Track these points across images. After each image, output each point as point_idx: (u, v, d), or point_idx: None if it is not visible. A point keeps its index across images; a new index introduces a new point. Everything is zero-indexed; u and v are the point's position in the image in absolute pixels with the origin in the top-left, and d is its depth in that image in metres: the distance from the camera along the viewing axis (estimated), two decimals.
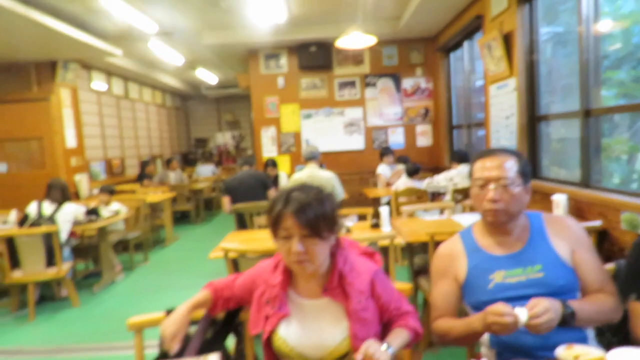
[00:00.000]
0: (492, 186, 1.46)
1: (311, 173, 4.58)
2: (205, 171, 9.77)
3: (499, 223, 1.50)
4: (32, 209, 4.35)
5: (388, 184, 5.69)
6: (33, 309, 4.05)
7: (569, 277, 1.45)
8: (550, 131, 4.03)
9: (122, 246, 5.62)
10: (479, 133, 5.79)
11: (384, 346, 1.26)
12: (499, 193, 1.45)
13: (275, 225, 1.31)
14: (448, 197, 4.65)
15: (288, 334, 1.35)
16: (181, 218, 8.63)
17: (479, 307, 1.48)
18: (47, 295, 4.59)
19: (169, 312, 1.59)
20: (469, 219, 3.32)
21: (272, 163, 5.75)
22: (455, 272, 1.57)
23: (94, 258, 5.32)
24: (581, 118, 3.22)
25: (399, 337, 1.38)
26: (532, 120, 3.99)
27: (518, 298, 1.43)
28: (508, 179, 1.45)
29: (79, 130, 6.69)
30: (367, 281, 1.39)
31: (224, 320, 1.56)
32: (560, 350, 1.14)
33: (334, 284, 1.36)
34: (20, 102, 6.11)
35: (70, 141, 6.46)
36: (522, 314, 1.25)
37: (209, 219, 8.90)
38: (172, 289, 4.67)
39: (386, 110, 7.06)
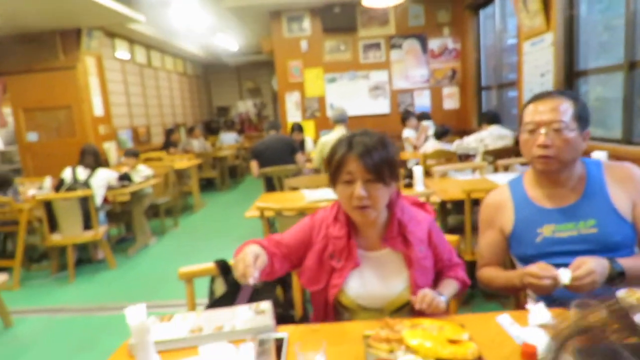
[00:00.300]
0: (543, 130, 1.36)
1: (340, 136, 4.54)
2: (229, 139, 9.81)
3: (549, 172, 1.41)
4: (67, 174, 4.45)
5: (415, 147, 5.62)
6: (73, 270, 4.20)
7: (626, 233, 1.37)
8: (587, 89, 3.88)
9: (152, 212, 5.74)
10: (509, 94, 5.62)
11: (439, 295, 1.26)
12: (551, 138, 1.35)
13: (337, 169, 1.27)
14: (478, 159, 4.56)
15: (350, 286, 1.34)
16: (207, 185, 8.74)
17: (525, 260, 1.45)
18: (84, 258, 4.75)
19: (217, 262, 1.62)
20: (504, 178, 3.26)
21: (298, 128, 5.72)
22: (501, 223, 1.52)
23: (126, 223, 5.47)
24: (625, 71, 3.09)
25: (450, 287, 1.39)
26: (570, 76, 3.84)
27: (568, 253, 1.37)
28: (562, 123, 1.35)
29: (106, 98, 6.75)
30: (425, 230, 1.39)
31: None
32: (621, 293, 1.12)
33: (394, 233, 1.34)
34: (48, 71, 6.17)
35: (98, 109, 6.53)
36: (564, 274, 1.22)
37: (234, 186, 8.99)
38: (203, 252, 4.77)
39: (412, 72, 6.90)
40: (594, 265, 1.22)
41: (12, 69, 6.17)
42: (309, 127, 6.97)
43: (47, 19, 5.54)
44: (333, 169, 1.29)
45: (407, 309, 1.34)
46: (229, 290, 1.56)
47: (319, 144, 4.64)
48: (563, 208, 1.43)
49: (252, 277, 1.04)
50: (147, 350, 1.07)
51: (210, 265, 1.62)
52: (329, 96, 6.97)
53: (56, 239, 4.16)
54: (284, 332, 1.20)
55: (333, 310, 1.36)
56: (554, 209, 1.44)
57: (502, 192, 1.57)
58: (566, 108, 1.37)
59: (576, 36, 3.80)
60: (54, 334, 3.17)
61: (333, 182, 1.32)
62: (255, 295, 1.52)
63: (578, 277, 1.21)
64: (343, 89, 6.93)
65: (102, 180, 4.47)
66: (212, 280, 1.66)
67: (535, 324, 1.14)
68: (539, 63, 4.14)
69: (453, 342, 1.04)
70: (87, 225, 4.20)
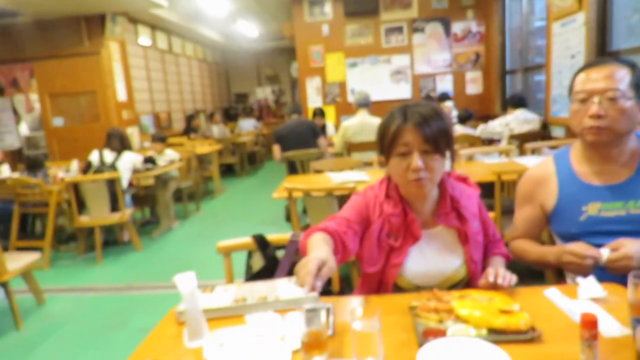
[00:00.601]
0: (596, 99, 1.28)
1: (362, 120, 4.52)
2: (247, 125, 9.84)
3: (600, 145, 1.33)
4: (94, 157, 4.52)
5: None
6: (100, 251, 4.28)
7: None
8: None
9: (175, 196, 5.82)
10: (535, 78, 5.50)
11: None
12: (604, 107, 1.27)
13: (392, 141, 1.23)
14: (503, 144, 4.50)
15: (409, 265, 1.30)
16: (226, 171, 8.80)
17: (567, 238, 1.41)
18: (110, 240, 4.84)
19: (255, 237, 1.63)
20: (533, 161, 3.21)
21: (320, 112, 5.71)
22: (542, 199, 1.47)
23: (150, 207, 5.55)
24: None
25: (499, 264, 1.37)
26: (603, 57, 3.74)
27: (613, 233, 1.31)
28: (617, 91, 1.25)
29: (129, 83, 6.81)
30: (476, 204, 1.37)
31: None
32: None
33: (447, 209, 1.31)
34: (73, 56, 6.24)
35: (121, 95, 6.59)
36: (603, 254, 1.20)
37: (253, 173, 9.04)
38: (225, 236, 4.72)
39: (434, 56, 6.80)
40: (633, 250, 1.19)
41: (38, 54, 6.26)
42: (330, 113, 6.94)
43: (72, 4, 5.59)
44: (388, 141, 1.25)
45: (460, 287, 1.31)
46: (267, 265, 1.57)
47: (341, 129, 4.62)
48: (612, 185, 1.35)
49: (310, 286, 0.97)
50: (199, 317, 1.08)
51: (248, 240, 1.63)
52: (350, 81, 6.93)
53: (84, 220, 4.24)
54: (329, 302, 1.20)
55: (390, 292, 1.32)
56: (602, 186, 1.36)
57: (545, 166, 1.50)
58: (623, 75, 1.27)
59: (609, 16, 3.68)
60: (86, 312, 3.25)
61: (386, 155, 1.28)
62: (294, 270, 1.53)
63: (613, 260, 1.20)
64: (364, 73, 6.87)
65: (128, 163, 4.53)
66: (249, 256, 1.68)
67: (586, 297, 1.13)
68: (569, 44, 4.03)
69: (504, 312, 1.03)
70: (114, 207, 4.27)
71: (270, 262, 1.57)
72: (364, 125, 4.50)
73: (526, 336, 0.98)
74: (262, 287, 1.33)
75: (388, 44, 6.79)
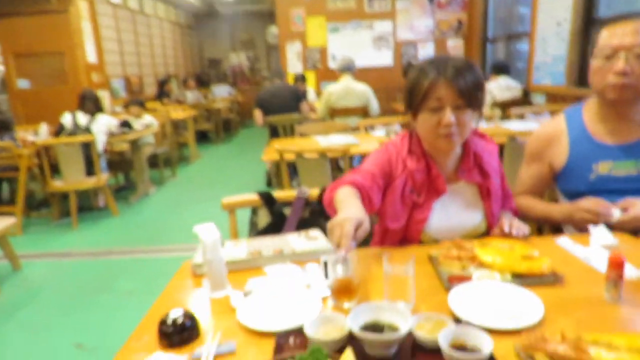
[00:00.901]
0: (622, 55, 1.24)
1: (347, 85, 4.46)
2: (221, 92, 9.61)
3: (621, 102, 1.31)
4: (66, 120, 4.32)
5: None
6: (76, 216, 4.15)
7: None
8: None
9: (150, 162, 5.67)
10: (517, 47, 5.55)
11: None
12: (631, 64, 1.23)
13: (425, 96, 1.18)
14: (485, 110, 4.55)
15: (433, 221, 1.29)
16: (201, 138, 8.62)
17: (574, 196, 1.42)
18: (85, 206, 4.70)
19: (261, 194, 1.60)
20: (520, 126, 3.26)
21: (301, 78, 5.61)
22: (551, 158, 1.47)
23: (125, 172, 5.39)
24: None
25: (512, 217, 1.39)
26: (588, 24, 3.78)
27: (622, 192, 1.33)
28: None
29: (99, 44, 6.49)
30: (496, 160, 1.37)
31: (318, 199, 1.56)
32: None
33: (471, 164, 1.30)
34: (39, 14, 5.87)
35: (91, 56, 6.29)
36: (615, 214, 1.23)
37: (228, 140, 8.89)
38: (204, 201, 4.75)
39: (417, 22, 6.72)
40: None
41: (1, 10, 5.85)
42: (310, 79, 6.83)
43: None
44: (420, 96, 1.19)
45: None
46: (274, 221, 1.55)
47: (324, 94, 4.56)
48: (625, 145, 1.36)
49: (346, 248, 0.92)
50: (221, 267, 1.06)
51: (253, 196, 1.60)
52: (331, 47, 6.80)
53: (58, 185, 4.08)
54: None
55: None
56: (615, 146, 1.37)
57: (556, 124, 1.49)
58: None
59: None
60: (65, 277, 3.17)
61: (415, 110, 1.23)
62: (302, 224, 1.51)
63: (623, 221, 1.23)
64: (346, 39, 6.75)
65: (103, 126, 4.36)
66: (254, 212, 1.65)
67: (598, 245, 1.16)
68: (555, 12, 4.06)
69: (526, 258, 1.05)
70: (89, 171, 4.12)
71: (278, 219, 1.54)
72: (348, 90, 4.45)
73: (549, 279, 1.01)
74: (273, 242, 1.31)
75: (371, 8, 6.67)
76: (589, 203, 1.31)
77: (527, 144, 1.56)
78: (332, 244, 0.96)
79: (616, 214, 1.24)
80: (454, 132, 1.19)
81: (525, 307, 0.90)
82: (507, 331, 0.83)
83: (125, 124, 4.65)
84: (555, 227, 1.58)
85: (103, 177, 4.19)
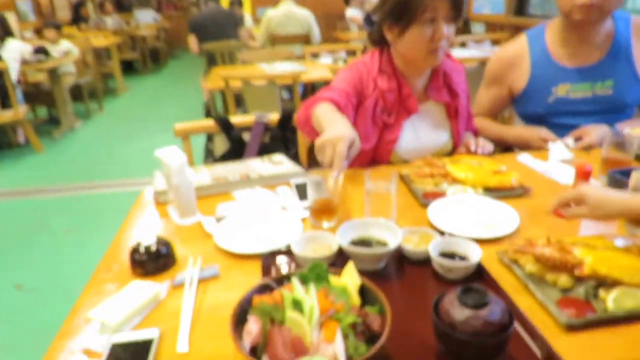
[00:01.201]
0: None
1: (288, 10, 4.24)
2: (145, 17, 8.79)
3: (587, 22, 1.31)
4: None
5: (361, 28, 5.43)
6: None
7: (637, 94, 1.38)
8: None
9: (74, 94, 5.18)
10: None
11: None
12: None
13: (419, 7, 1.10)
14: None
15: (403, 141, 1.27)
16: (128, 69, 7.96)
17: (532, 118, 1.47)
18: (3, 143, 4.26)
19: (217, 119, 1.51)
20: (461, 54, 3.30)
21: (237, 1, 5.22)
22: (511, 81, 1.48)
23: (47, 105, 4.90)
24: None
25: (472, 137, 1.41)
26: None
27: (577, 113, 1.38)
28: None
29: None
30: (464, 80, 1.35)
31: (278, 125, 1.50)
32: (627, 130, 1.19)
33: (440, 84, 1.27)
34: None
35: None
36: (569, 144, 1.29)
37: (157, 70, 8.30)
38: (136, 135, 4.48)
39: None
40: (594, 139, 1.27)
41: None
42: (246, 3, 6.39)
43: None
44: (413, 8, 1.11)
45: None
46: (233, 147, 1.48)
47: (263, 20, 4.31)
48: (583, 67, 1.39)
49: (339, 168, 0.87)
50: (190, 192, 0.99)
51: (208, 122, 1.50)
52: None
53: None
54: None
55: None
56: (573, 69, 1.40)
57: (518, 47, 1.49)
58: None
59: None
60: None
61: (406, 23, 1.14)
62: (263, 150, 1.45)
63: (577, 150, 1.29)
64: None
65: (14, 52, 3.87)
66: (209, 139, 1.55)
67: (556, 159, 1.21)
68: None
69: (495, 172, 1.08)
70: (4, 104, 3.70)
71: (237, 144, 1.47)
72: (290, 15, 4.23)
73: (519, 191, 1.05)
74: (236, 168, 1.25)
75: None
76: (545, 132, 1.36)
77: (487, 66, 1.56)
78: (323, 163, 0.90)
79: (570, 144, 1.30)
80: (442, 47, 1.15)
81: (501, 218, 0.93)
82: (489, 239, 0.86)
83: (41, 50, 4.16)
84: (505, 148, 1.64)
85: (21, 109, 3.78)
